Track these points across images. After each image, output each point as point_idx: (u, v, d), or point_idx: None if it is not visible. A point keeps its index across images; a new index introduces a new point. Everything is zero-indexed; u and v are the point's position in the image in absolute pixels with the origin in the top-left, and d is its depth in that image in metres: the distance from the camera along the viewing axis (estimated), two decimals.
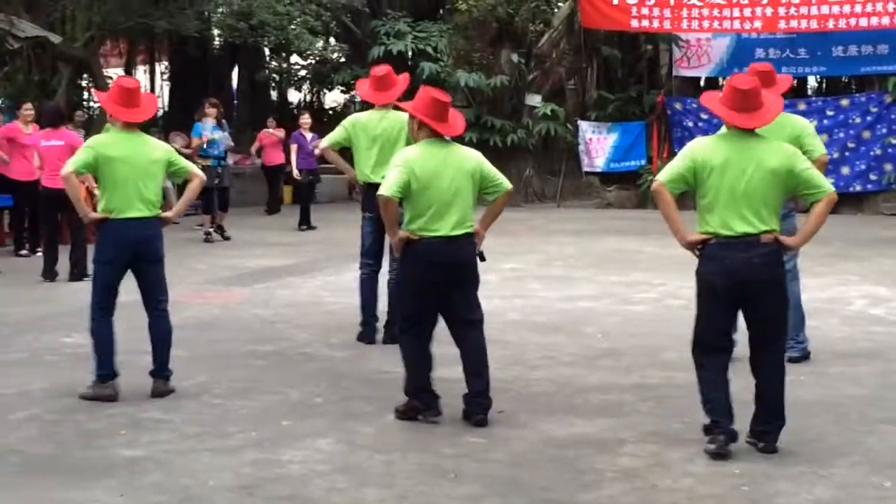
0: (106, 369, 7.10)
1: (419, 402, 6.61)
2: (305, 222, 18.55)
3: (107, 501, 5.17)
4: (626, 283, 12.21)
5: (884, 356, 8.47)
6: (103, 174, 7.11)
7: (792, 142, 7.28)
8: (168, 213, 7.42)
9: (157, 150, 7.37)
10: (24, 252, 14.63)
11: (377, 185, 6.93)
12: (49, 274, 12.44)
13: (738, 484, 5.42)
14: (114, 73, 30.37)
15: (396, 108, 8.53)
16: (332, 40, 28.62)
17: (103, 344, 7.13)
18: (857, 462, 5.78)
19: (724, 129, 6.18)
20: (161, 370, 7.26)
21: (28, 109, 14.87)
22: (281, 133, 21.36)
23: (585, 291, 11.68)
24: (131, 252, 7.13)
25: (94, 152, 7.08)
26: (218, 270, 13.37)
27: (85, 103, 28.41)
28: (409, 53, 23.95)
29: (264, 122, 22.07)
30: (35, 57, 21.40)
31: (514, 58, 23.66)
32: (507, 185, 6.78)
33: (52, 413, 6.73)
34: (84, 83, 28.42)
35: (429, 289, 6.57)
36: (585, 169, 24.20)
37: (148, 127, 24.62)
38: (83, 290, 11.33)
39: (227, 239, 16.68)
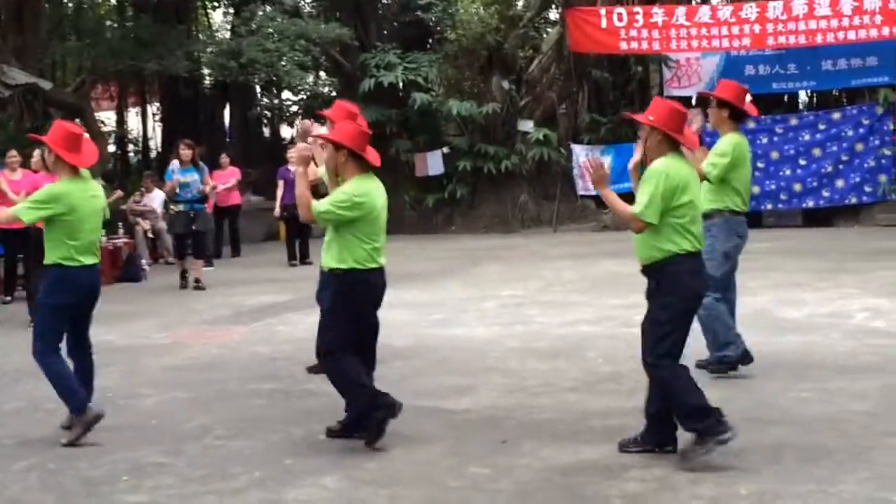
0: (80, 398, 7.13)
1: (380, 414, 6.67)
2: (294, 257, 18.46)
3: None
4: (626, 305, 12.16)
5: (887, 369, 8.44)
6: (65, 222, 7.13)
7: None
8: None
9: (100, 195, 7.53)
10: (8, 298, 14.63)
11: None
12: None
13: None
14: (105, 116, 30.48)
15: None
16: (322, 74, 28.68)
17: (69, 378, 7.18)
18: (864, 478, 5.74)
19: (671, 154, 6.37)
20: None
21: (13, 157, 14.67)
22: (230, 180, 20.46)
23: (585, 315, 11.66)
24: (86, 297, 7.31)
25: (61, 203, 7.12)
26: (216, 309, 13.35)
27: None
28: (400, 84, 24.00)
29: (258, 159, 21.95)
30: (26, 104, 21.45)
31: (505, 85, 23.73)
32: None
33: (53, 461, 6.68)
34: None
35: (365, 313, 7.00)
36: (581, 192, 24.19)
37: (141, 170, 24.53)
38: None
39: (200, 289, 15.50)
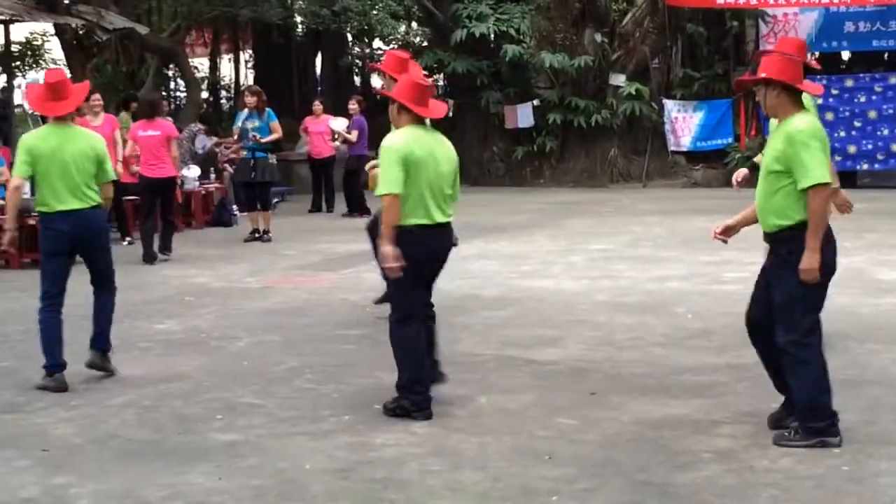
0: (52, 360, 7.19)
1: (408, 402, 6.32)
2: (350, 208, 18.24)
3: (205, 485, 5.23)
4: (716, 262, 12.02)
5: None
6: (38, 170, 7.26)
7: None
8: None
9: (86, 139, 7.49)
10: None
11: None
12: (150, 258, 12.83)
13: (838, 464, 5.32)
14: (199, 62, 30.76)
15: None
16: (413, 24, 28.63)
17: (47, 336, 7.23)
18: None
19: None
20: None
21: (97, 100, 14.68)
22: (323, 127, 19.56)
23: (674, 271, 11.56)
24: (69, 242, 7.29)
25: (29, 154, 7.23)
26: (305, 256, 13.47)
27: (172, 93, 28.80)
28: (492, 36, 23.87)
29: (344, 107, 21.72)
30: (123, 48, 21.74)
31: (598, 37, 23.47)
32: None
33: (149, 398, 6.84)
34: (171, 73, 28.84)
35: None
36: (671, 148, 23.93)
37: (233, 117, 24.74)
38: (175, 278, 11.55)
39: (265, 241, 15.01)
